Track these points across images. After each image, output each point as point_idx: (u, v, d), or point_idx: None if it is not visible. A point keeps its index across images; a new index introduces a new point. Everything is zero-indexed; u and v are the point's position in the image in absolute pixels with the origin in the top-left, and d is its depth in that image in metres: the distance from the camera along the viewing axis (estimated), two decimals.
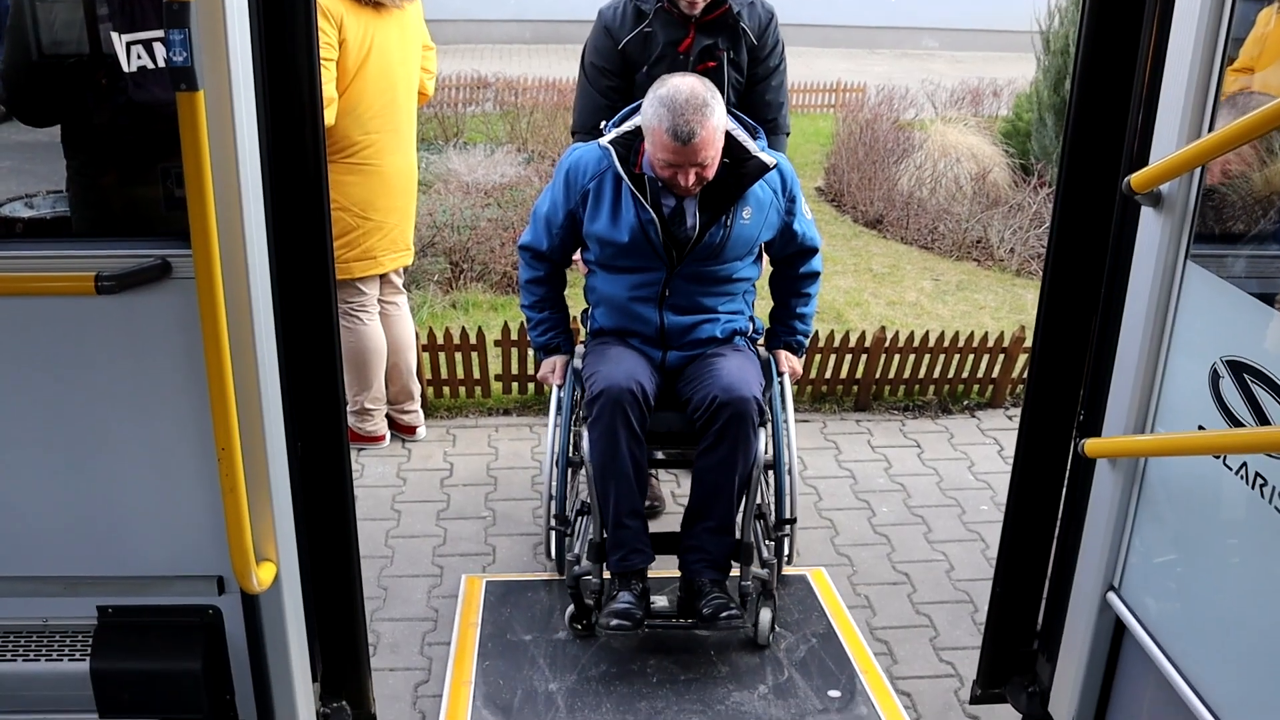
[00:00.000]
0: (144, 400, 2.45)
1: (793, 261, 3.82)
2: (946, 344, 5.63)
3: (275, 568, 2.49)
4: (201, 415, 2.42)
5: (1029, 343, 5.67)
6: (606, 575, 3.56)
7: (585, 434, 3.51)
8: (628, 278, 3.63)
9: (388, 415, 5.11)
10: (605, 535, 3.50)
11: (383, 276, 4.77)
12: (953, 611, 4.04)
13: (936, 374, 5.71)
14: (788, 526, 3.64)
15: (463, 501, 4.71)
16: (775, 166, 3.53)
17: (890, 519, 4.67)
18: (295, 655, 2.63)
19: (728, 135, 3.44)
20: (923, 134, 9.67)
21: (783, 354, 3.92)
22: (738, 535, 3.57)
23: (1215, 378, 2.34)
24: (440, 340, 5.32)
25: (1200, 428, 2.38)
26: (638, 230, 3.48)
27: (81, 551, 2.59)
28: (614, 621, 3.39)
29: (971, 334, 5.69)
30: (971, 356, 5.69)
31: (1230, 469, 2.29)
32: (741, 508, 3.57)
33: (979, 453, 5.31)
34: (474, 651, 3.51)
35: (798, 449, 3.95)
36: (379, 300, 4.82)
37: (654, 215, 3.47)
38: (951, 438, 5.45)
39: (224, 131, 2.20)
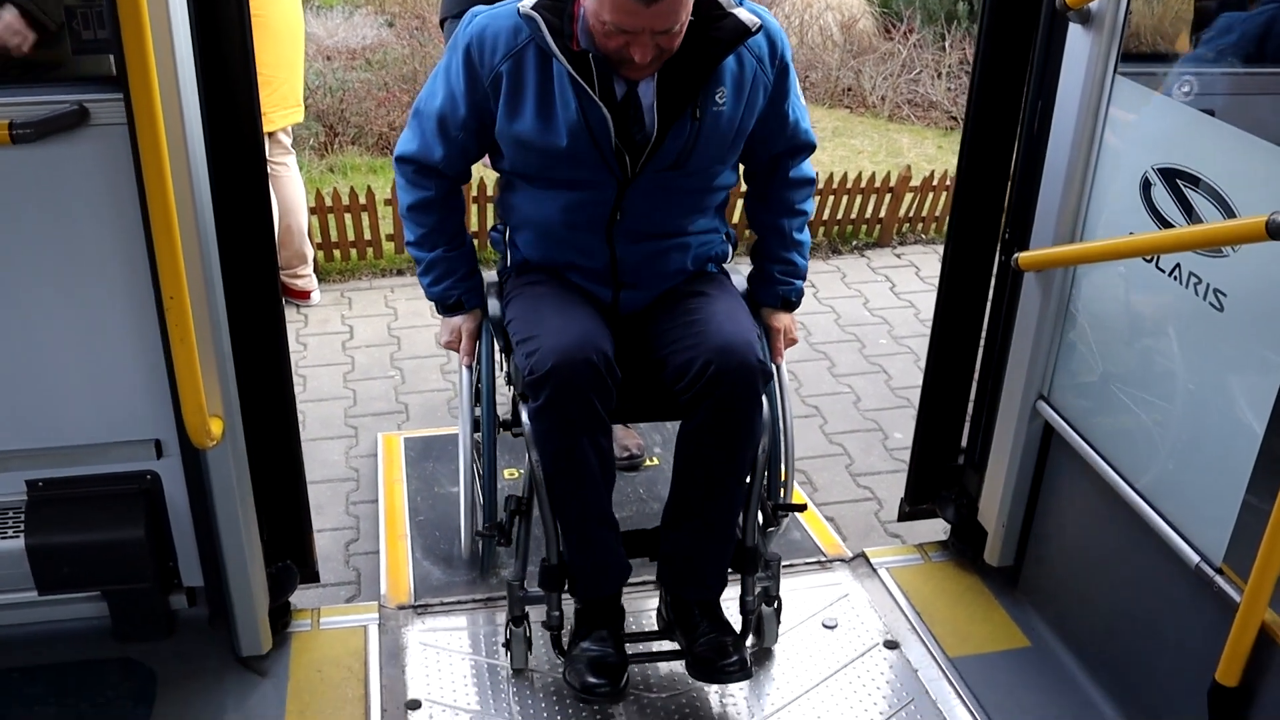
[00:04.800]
0: (67, 257, 2.34)
1: (780, 165, 2.72)
2: (835, 185, 5.70)
3: (222, 423, 2.43)
4: (131, 269, 2.34)
5: (915, 182, 5.81)
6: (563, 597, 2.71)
7: (524, 417, 2.53)
8: (562, 196, 2.55)
9: (280, 281, 4.97)
10: (561, 552, 2.62)
11: (270, 135, 4.60)
12: (864, 440, 4.17)
13: (825, 215, 5.78)
14: (787, 514, 2.91)
15: (367, 363, 4.65)
16: (760, 28, 2.46)
17: (794, 355, 4.74)
18: (243, 513, 2.59)
19: None
20: None
21: (777, 320, 2.82)
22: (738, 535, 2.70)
23: (1146, 186, 2.41)
24: (329, 202, 5.18)
25: (1131, 234, 2.46)
26: (581, 131, 2.42)
27: (4, 424, 2.49)
28: (589, 681, 2.55)
29: (859, 175, 5.76)
30: (860, 197, 5.78)
31: (1163, 271, 2.38)
32: (745, 504, 2.67)
33: (872, 290, 5.42)
34: (404, 507, 3.50)
35: None
36: (268, 161, 4.64)
37: (605, 111, 2.41)
38: (844, 277, 5.55)
39: None
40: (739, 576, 2.70)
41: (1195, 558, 2.32)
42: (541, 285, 2.65)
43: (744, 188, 2.89)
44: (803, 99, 2.70)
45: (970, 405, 3.15)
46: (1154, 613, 2.54)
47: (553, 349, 2.40)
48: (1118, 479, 2.54)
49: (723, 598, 2.69)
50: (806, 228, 2.79)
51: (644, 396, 2.63)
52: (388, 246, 5.44)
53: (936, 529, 3.35)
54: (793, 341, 2.85)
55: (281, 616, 2.86)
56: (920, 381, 3.20)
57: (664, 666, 2.79)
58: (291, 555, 2.89)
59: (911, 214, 5.94)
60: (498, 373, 2.90)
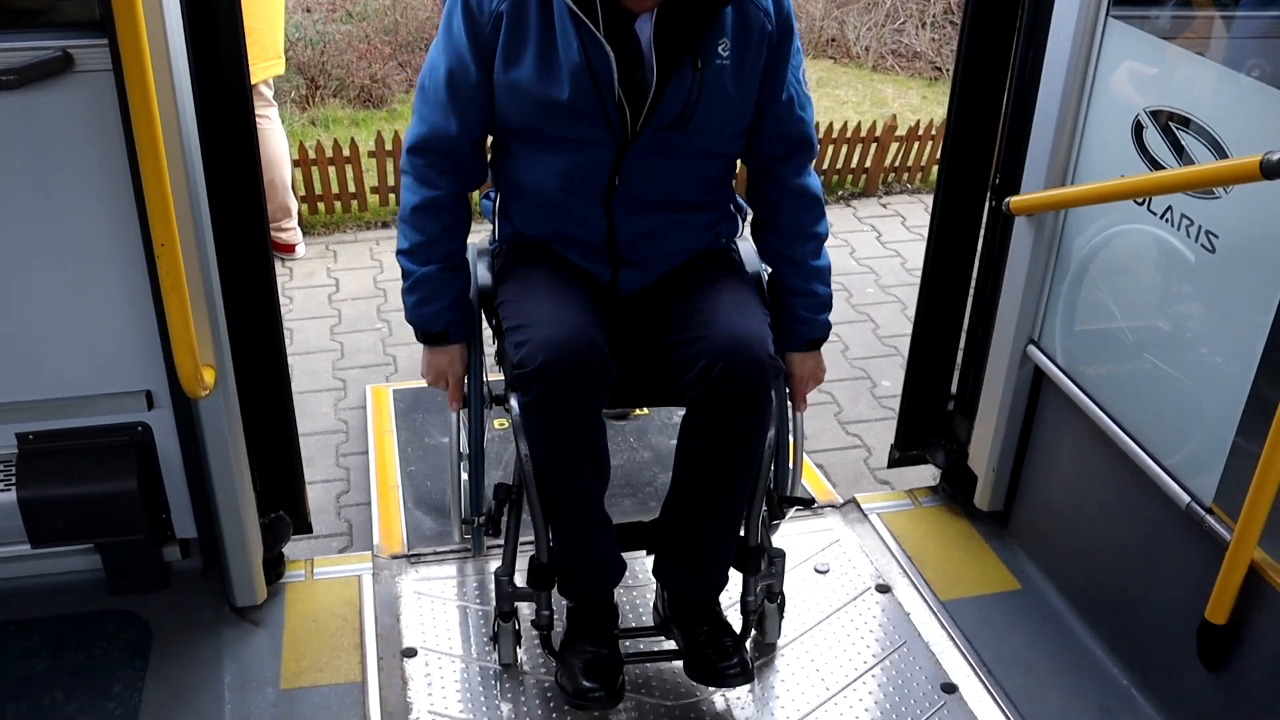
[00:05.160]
0: (53, 207, 2.32)
1: (780, 174, 2.47)
2: (820, 136, 5.67)
3: (215, 372, 2.42)
4: (119, 218, 2.32)
5: (900, 131, 5.80)
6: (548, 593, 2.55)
7: (514, 405, 2.34)
8: (558, 159, 2.34)
9: None
10: (552, 549, 2.46)
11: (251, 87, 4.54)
12: (852, 388, 4.18)
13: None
14: (793, 508, 2.73)
15: (354, 315, 4.64)
16: None
17: None
18: (237, 463, 2.59)
19: None
20: None
21: (801, 365, 2.57)
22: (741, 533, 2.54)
23: (1138, 129, 2.41)
24: (312, 155, 5.14)
25: (1122, 177, 2.46)
26: (583, 74, 2.22)
27: None
28: (583, 685, 2.38)
29: (844, 124, 5.75)
30: (845, 147, 5.76)
31: (1155, 214, 2.39)
32: (749, 502, 2.49)
33: (858, 239, 5.42)
34: (395, 458, 3.50)
35: None
36: None
37: (608, 48, 2.22)
38: (830, 226, 5.53)
39: None
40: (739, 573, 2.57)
41: (1185, 498, 2.34)
42: (534, 266, 2.44)
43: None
44: (808, 88, 2.45)
45: (960, 351, 3.16)
46: (1144, 554, 2.56)
47: (544, 342, 2.21)
48: (1108, 422, 2.56)
49: (723, 593, 2.57)
50: (825, 251, 2.53)
51: (643, 383, 2.50)
52: (372, 199, 5.41)
53: (926, 475, 3.38)
54: (818, 383, 2.61)
55: (275, 567, 2.87)
56: (907, 330, 3.21)
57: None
58: (284, 506, 2.89)
59: (897, 164, 5.93)
60: (487, 349, 2.66)
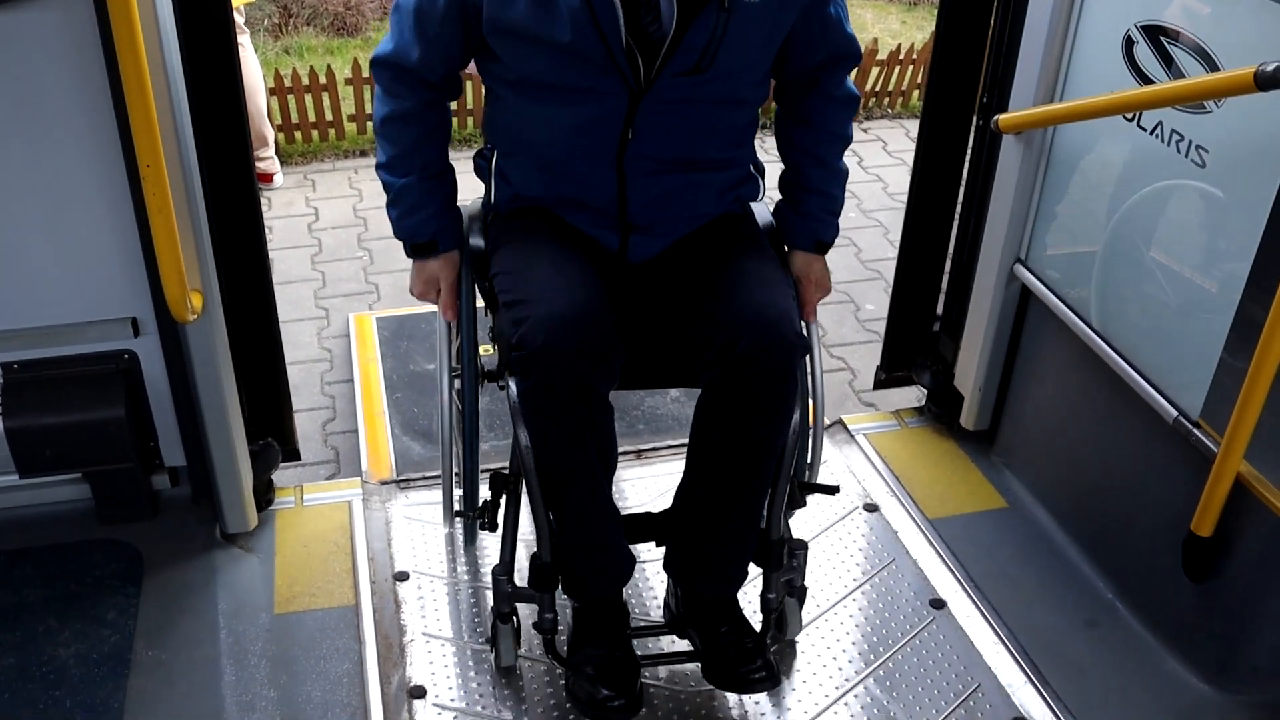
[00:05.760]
0: (33, 130, 2.28)
1: (819, 80, 2.26)
2: None
3: (202, 296, 2.40)
4: (101, 142, 2.29)
5: (881, 56, 5.76)
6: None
7: (511, 387, 2.13)
8: (563, 112, 2.12)
9: None
10: (554, 545, 2.24)
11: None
12: (836, 311, 4.18)
13: None
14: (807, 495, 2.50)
15: (335, 245, 4.61)
16: None
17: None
18: (225, 388, 2.57)
19: None
20: None
21: (809, 267, 2.38)
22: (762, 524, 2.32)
23: (1129, 44, 2.39)
24: (289, 83, 5.07)
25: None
26: (585, 20, 1.99)
27: None
28: (601, 695, 2.17)
29: None
30: None
31: (1145, 130, 2.38)
32: (772, 492, 2.29)
33: None
34: (380, 385, 3.49)
35: None
36: None
37: None
38: None
39: None
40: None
41: (1173, 412, 2.36)
42: (534, 233, 2.23)
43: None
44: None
45: (946, 272, 3.16)
46: (1130, 470, 2.59)
47: (545, 322, 2.00)
48: (1096, 338, 2.57)
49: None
50: (842, 157, 2.34)
51: (654, 362, 2.28)
52: (350, 127, 5.35)
53: (911, 396, 3.39)
54: (826, 292, 2.43)
55: (265, 494, 2.87)
56: (890, 254, 3.21)
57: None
58: (272, 433, 2.89)
59: (877, 89, 5.89)
60: (479, 323, 2.44)
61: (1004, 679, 2.43)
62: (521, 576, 2.32)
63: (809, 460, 2.42)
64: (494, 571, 2.33)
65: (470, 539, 2.79)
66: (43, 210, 2.37)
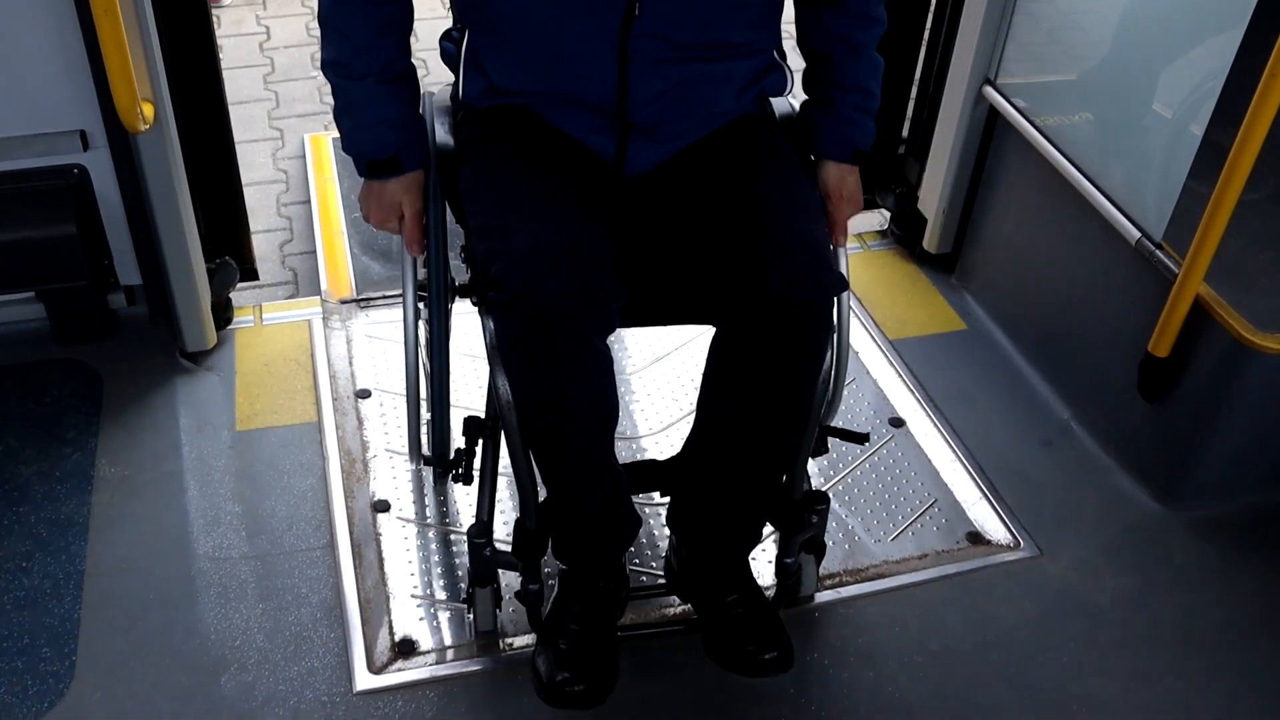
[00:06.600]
0: None
1: None
2: None
3: (153, 107, 2.32)
4: None
5: None
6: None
7: (490, 331, 1.81)
8: None
9: None
10: (541, 509, 1.94)
11: None
12: None
13: None
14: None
15: (288, 64, 4.46)
16: None
17: None
18: (182, 203, 2.52)
19: None
20: None
21: (842, 180, 1.99)
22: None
23: None
24: None
25: None
26: None
27: None
28: (557, 677, 1.84)
29: None
30: None
31: None
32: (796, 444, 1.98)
33: None
34: (338, 205, 3.43)
35: None
36: None
37: None
38: None
39: None
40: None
41: (1136, 234, 2.36)
42: (512, 142, 1.87)
43: None
44: None
45: (913, 95, 3.11)
46: (1091, 293, 2.60)
47: (527, 259, 1.66)
48: (1062, 160, 2.55)
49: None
50: (875, 57, 1.94)
51: (658, 298, 1.96)
52: None
53: (874, 220, 3.38)
54: (858, 208, 2.04)
55: (223, 313, 2.84)
56: None
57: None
58: (229, 252, 2.84)
59: None
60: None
61: (960, 495, 2.49)
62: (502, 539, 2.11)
63: (829, 398, 2.04)
64: (470, 533, 2.02)
65: (441, 488, 2.47)
66: None
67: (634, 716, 2.04)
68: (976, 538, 2.39)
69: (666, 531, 2.12)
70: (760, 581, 2.02)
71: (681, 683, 2.10)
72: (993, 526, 2.42)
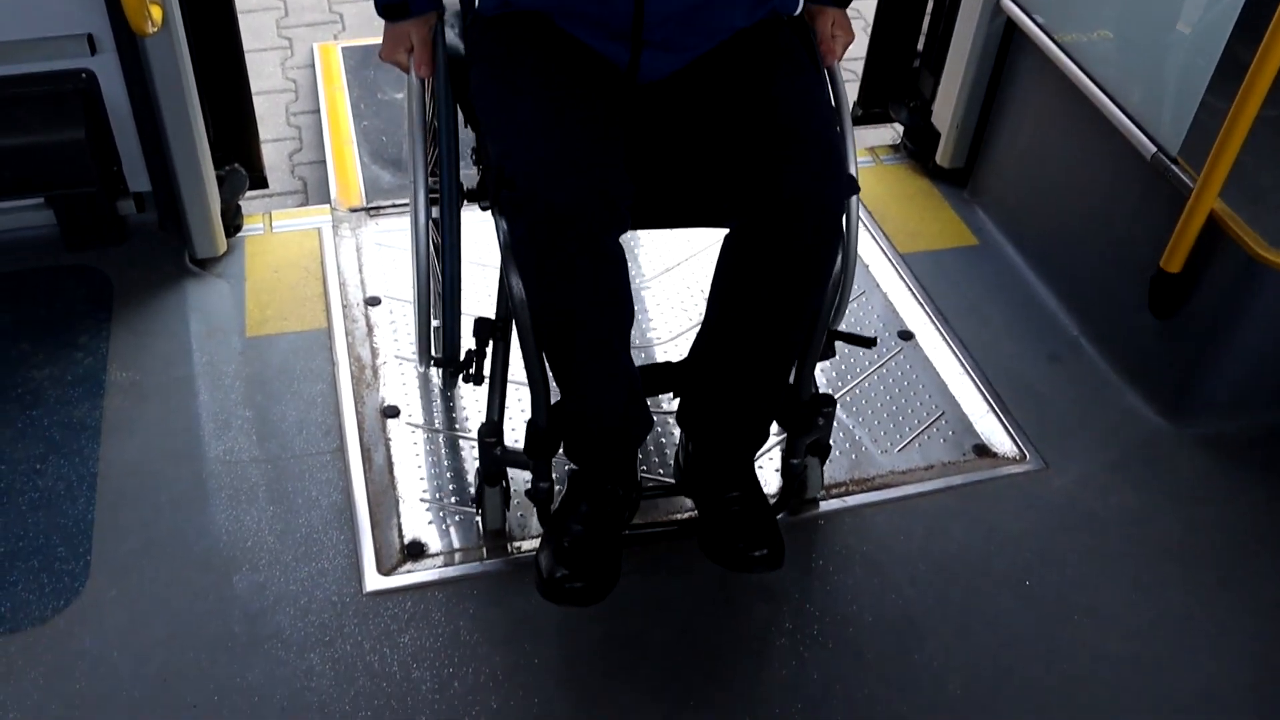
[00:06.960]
0: None
1: None
2: None
3: (161, 9, 2.30)
4: None
5: None
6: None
7: (503, 231, 1.83)
8: None
9: None
10: (553, 408, 1.95)
11: None
12: None
13: None
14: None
15: None
16: None
17: None
18: (191, 109, 2.50)
19: None
20: None
21: (825, 19, 2.01)
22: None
23: None
24: None
25: None
26: None
27: None
28: (558, 574, 1.88)
29: None
30: None
31: None
32: (805, 346, 2.01)
33: None
34: (348, 114, 3.41)
35: None
36: None
37: None
38: None
39: None
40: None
41: (1152, 148, 2.34)
42: (525, 47, 1.86)
43: None
44: None
45: (929, 6, 3.07)
46: (1104, 208, 2.59)
47: (537, 164, 1.68)
48: (1079, 73, 2.52)
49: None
50: None
51: (669, 198, 1.95)
52: None
53: (887, 135, 3.35)
54: (850, 41, 2.04)
55: (233, 220, 2.83)
56: None
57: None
58: (239, 159, 2.84)
59: None
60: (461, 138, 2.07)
61: (967, 408, 2.49)
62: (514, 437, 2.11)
63: (836, 303, 2.04)
64: (480, 432, 2.03)
65: (449, 385, 2.48)
66: None
67: (635, 615, 2.07)
68: (983, 450, 2.41)
69: (677, 435, 2.14)
70: (766, 489, 2.06)
71: (684, 584, 2.12)
72: (999, 439, 2.43)
